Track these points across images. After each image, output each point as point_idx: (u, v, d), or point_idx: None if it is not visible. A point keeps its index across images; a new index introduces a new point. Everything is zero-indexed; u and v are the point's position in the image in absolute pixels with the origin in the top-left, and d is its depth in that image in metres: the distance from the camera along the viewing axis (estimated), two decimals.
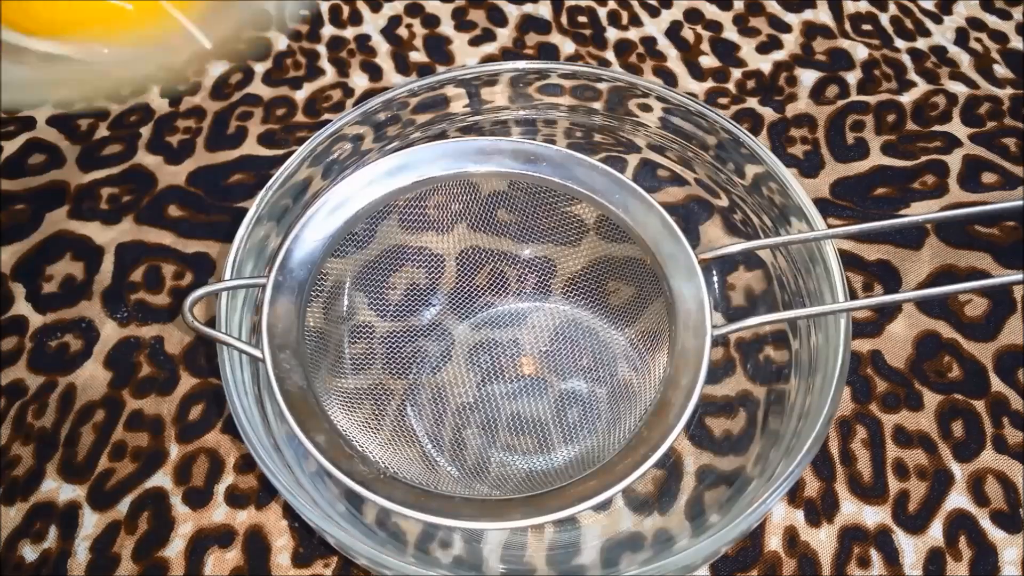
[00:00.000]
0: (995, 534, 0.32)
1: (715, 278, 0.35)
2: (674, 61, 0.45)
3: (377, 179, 0.31)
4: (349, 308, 0.33)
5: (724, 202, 0.35)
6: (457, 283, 0.35)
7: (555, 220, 0.34)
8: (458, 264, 0.35)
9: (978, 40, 0.46)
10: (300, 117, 0.43)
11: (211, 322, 0.28)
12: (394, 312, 0.34)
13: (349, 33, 0.47)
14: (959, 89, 0.43)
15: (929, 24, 0.46)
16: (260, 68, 0.45)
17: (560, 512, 0.25)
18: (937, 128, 0.42)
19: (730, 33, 0.47)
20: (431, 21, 0.47)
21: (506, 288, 0.36)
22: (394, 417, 0.32)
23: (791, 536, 0.32)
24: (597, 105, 0.36)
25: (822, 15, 0.47)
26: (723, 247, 0.29)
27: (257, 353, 0.27)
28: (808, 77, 0.44)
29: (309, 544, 0.32)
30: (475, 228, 0.34)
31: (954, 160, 0.41)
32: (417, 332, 0.35)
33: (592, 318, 0.35)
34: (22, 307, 0.37)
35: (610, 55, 0.46)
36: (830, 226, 0.30)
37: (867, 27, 0.46)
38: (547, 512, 0.26)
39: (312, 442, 0.26)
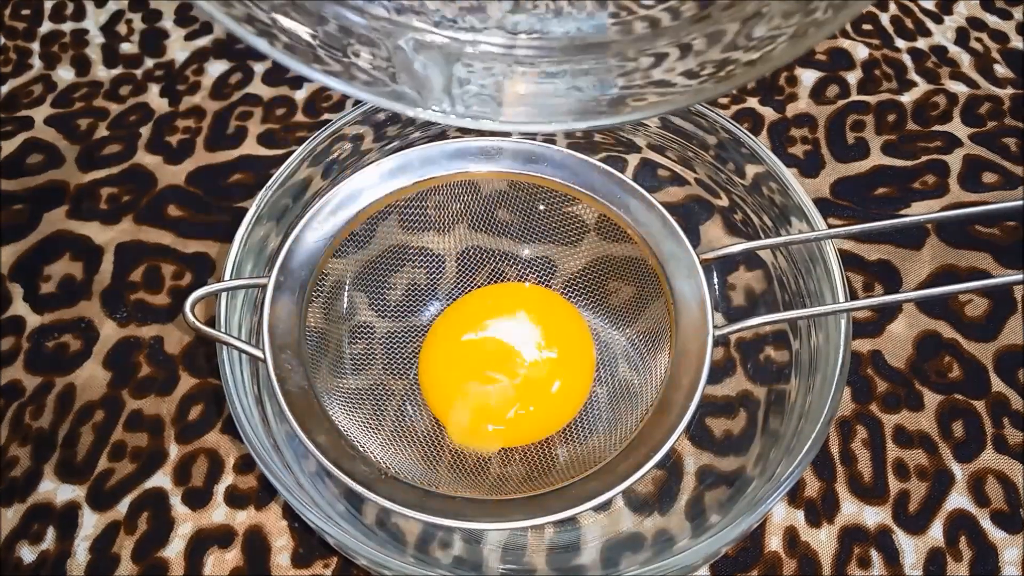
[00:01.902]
0: (995, 534, 0.32)
1: (715, 278, 0.35)
2: None
3: (379, 179, 0.31)
4: (349, 308, 0.33)
5: (724, 202, 0.35)
6: (457, 283, 0.35)
7: (555, 220, 0.34)
8: (458, 264, 0.35)
9: (978, 40, 0.46)
10: (300, 117, 0.43)
11: (211, 322, 0.28)
12: (394, 312, 0.34)
13: None
14: (959, 89, 0.43)
15: (929, 24, 0.46)
16: (260, 68, 0.45)
17: (561, 513, 0.25)
18: (937, 128, 0.42)
19: None
20: None
21: None
22: (394, 417, 0.32)
23: (791, 536, 0.32)
24: None
25: None
26: (725, 247, 0.29)
27: (258, 353, 0.27)
28: (808, 77, 0.44)
29: (309, 544, 0.32)
30: (475, 228, 0.34)
31: (954, 160, 0.41)
32: (417, 332, 0.34)
33: (592, 318, 0.34)
34: (20, 307, 0.37)
35: None
36: (830, 226, 0.30)
37: (867, 27, 0.46)
38: (548, 513, 0.26)
39: (313, 442, 0.26)
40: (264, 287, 0.28)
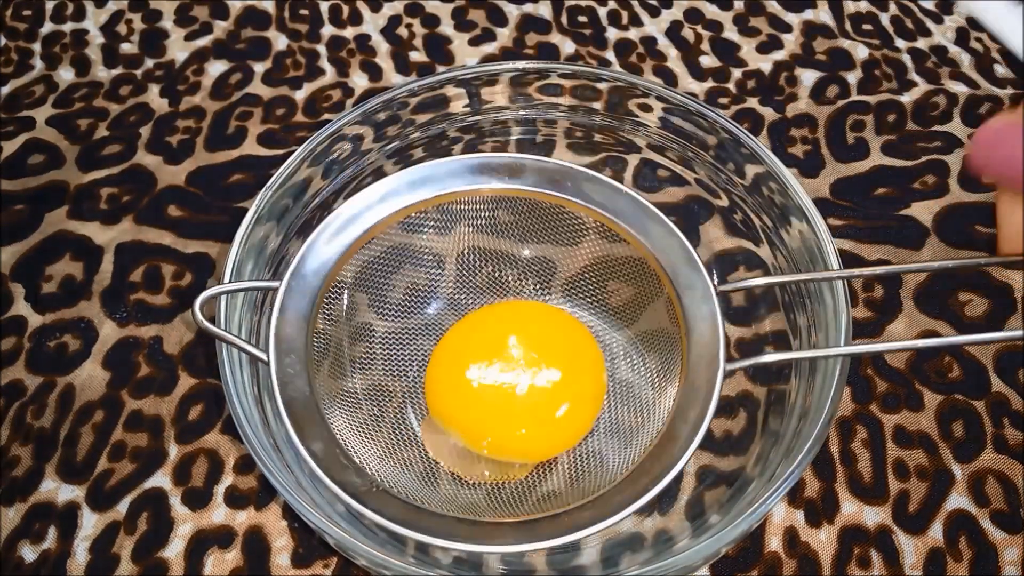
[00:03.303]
0: (995, 534, 0.32)
1: (715, 278, 0.35)
2: (674, 61, 0.45)
3: (399, 190, 0.30)
4: (355, 313, 0.33)
5: (724, 202, 0.35)
6: (457, 283, 0.35)
7: (555, 221, 0.33)
8: (458, 264, 0.35)
9: (978, 40, 0.46)
10: (300, 117, 0.43)
11: (211, 321, 0.28)
12: (396, 313, 0.34)
13: (349, 33, 0.47)
14: (959, 89, 0.43)
15: (929, 24, 0.46)
16: (260, 68, 0.45)
17: (554, 540, 0.25)
18: (938, 128, 0.42)
19: (730, 33, 0.47)
20: (431, 21, 0.47)
21: (506, 288, 0.35)
22: (394, 420, 0.32)
23: (791, 536, 0.32)
24: (597, 105, 0.36)
25: (822, 15, 0.47)
26: (743, 280, 0.29)
27: (262, 355, 0.27)
28: (808, 77, 0.44)
29: (309, 545, 0.32)
30: (475, 228, 0.34)
31: (955, 160, 0.41)
32: (417, 332, 0.34)
33: (593, 319, 0.34)
34: (21, 307, 0.37)
35: (610, 55, 0.46)
36: (830, 226, 0.30)
37: (867, 27, 0.46)
38: (540, 539, 0.25)
39: (308, 450, 0.26)
40: (273, 290, 0.28)
